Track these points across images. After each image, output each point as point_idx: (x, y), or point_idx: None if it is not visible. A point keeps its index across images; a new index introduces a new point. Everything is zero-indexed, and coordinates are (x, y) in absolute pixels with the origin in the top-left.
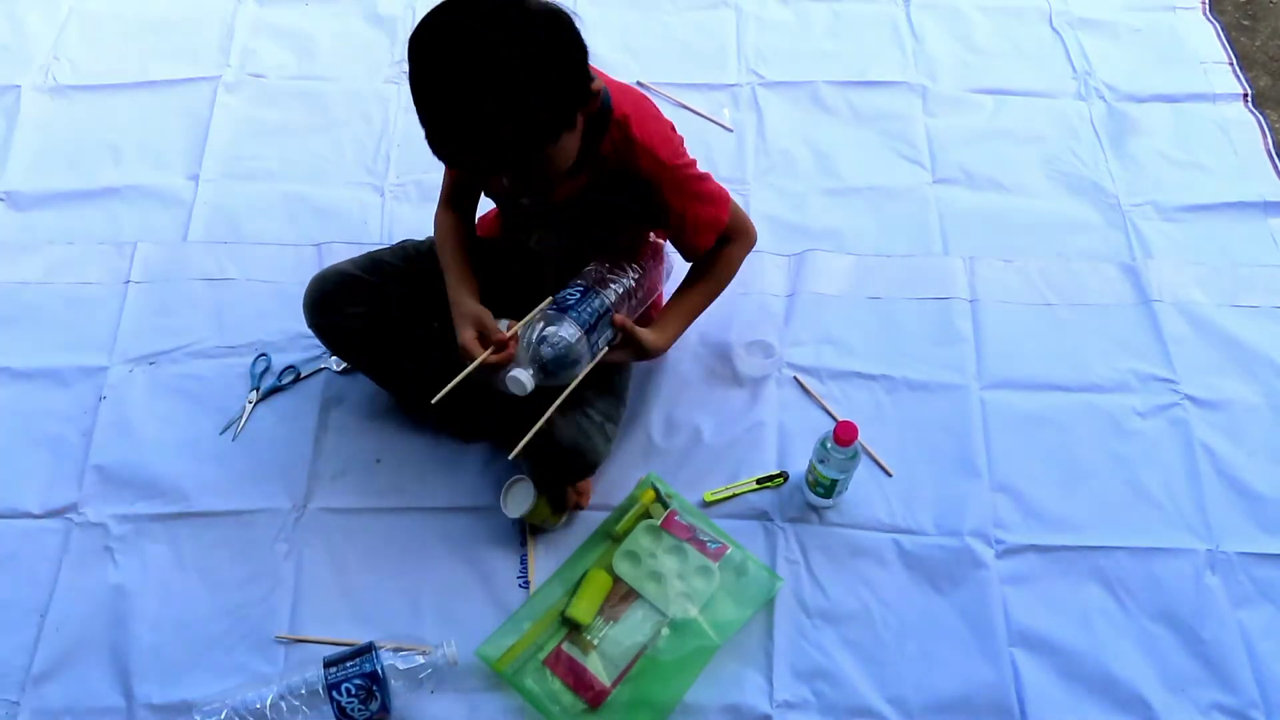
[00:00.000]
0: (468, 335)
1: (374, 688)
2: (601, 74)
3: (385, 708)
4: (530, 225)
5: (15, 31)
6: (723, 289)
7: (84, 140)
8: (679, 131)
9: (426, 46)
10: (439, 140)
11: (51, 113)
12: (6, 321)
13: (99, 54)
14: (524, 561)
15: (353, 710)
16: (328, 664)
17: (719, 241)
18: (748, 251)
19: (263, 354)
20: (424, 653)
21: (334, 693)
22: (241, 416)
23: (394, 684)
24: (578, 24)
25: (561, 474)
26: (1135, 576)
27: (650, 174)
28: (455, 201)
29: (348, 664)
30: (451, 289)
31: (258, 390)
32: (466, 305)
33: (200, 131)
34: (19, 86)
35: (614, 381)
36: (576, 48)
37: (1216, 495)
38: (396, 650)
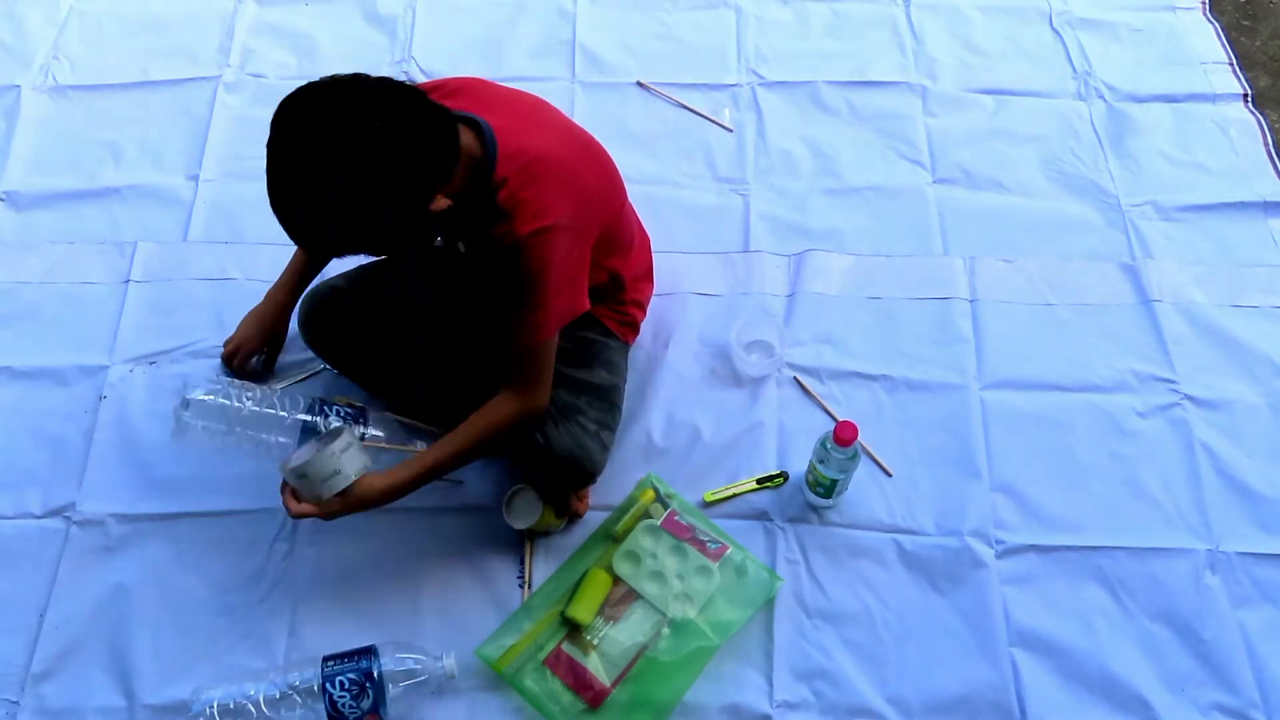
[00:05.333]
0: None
1: (367, 685)
2: (513, 113)
3: (377, 709)
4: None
5: (15, 31)
6: (472, 445)
7: (84, 140)
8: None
9: (273, 138)
10: (280, 219)
11: (51, 113)
12: (6, 321)
13: (99, 54)
14: (523, 562)
15: (344, 705)
16: (326, 659)
17: (505, 379)
18: (522, 416)
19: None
20: (421, 659)
21: (328, 685)
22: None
23: (391, 689)
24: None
25: (561, 484)
26: (1135, 576)
27: (503, 241)
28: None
29: (345, 661)
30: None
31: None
32: (259, 311)
33: (200, 131)
34: (19, 86)
35: (607, 389)
36: (423, 140)
37: (1216, 495)
38: (397, 655)
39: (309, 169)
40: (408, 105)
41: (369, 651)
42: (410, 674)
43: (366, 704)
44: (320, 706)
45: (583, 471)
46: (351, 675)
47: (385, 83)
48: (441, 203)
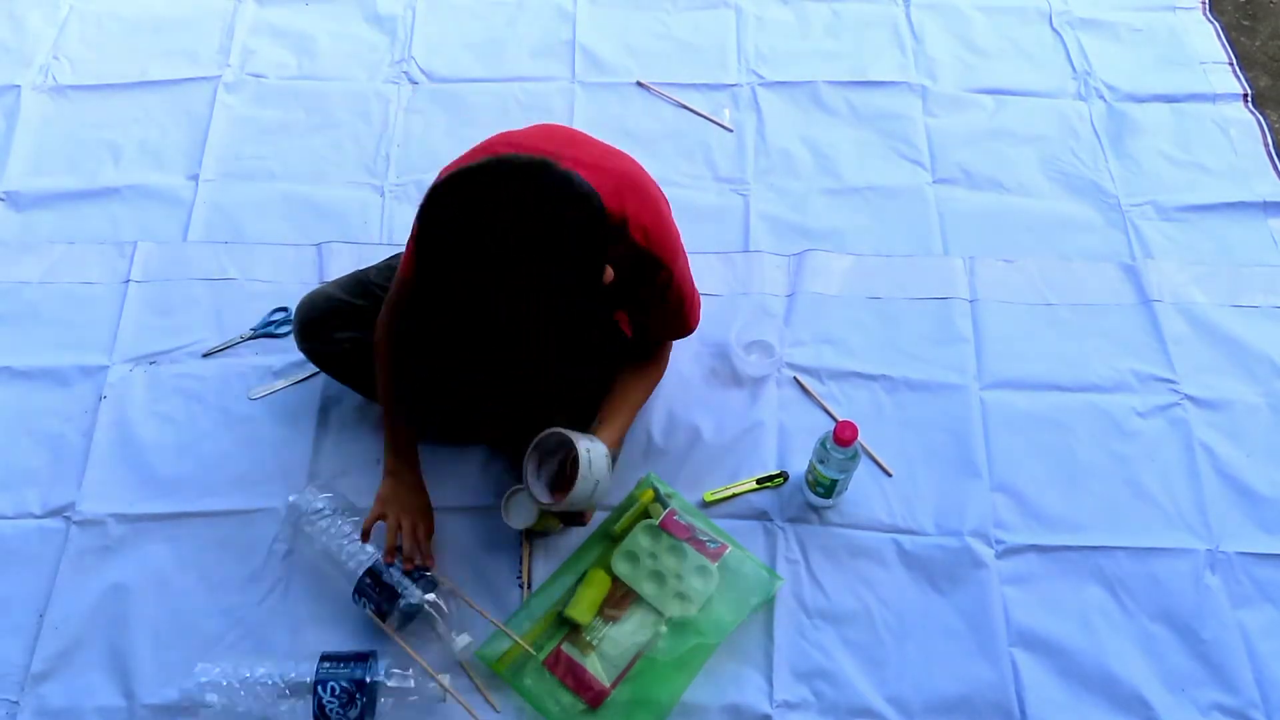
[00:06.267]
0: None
1: (358, 695)
2: (600, 157)
3: (363, 718)
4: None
5: (15, 31)
6: (658, 382)
7: (84, 140)
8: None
9: (472, 241)
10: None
11: (51, 113)
12: (7, 321)
13: (99, 54)
14: (522, 562)
15: (331, 711)
16: (324, 658)
17: (650, 350)
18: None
19: (282, 307)
20: (415, 678)
21: (319, 688)
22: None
23: (381, 701)
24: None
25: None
26: (1135, 576)
27: (654, 272)
28: (410, 313)
29: (341, 664)
30: (396, 452)
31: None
32: (412, 495)
33: (200, 131)
34: (19, 86)
35: None
36: (598, 239)
37: (1216, 495)
38: (392, 671)
39: (527, 264)
40: (575, 191)
41: (366, 657)
42: (402, 692)
43: (354, 713)
44: (308, 700)
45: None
46: (343, 683)
47: (557, 172)
48: (609, 274)
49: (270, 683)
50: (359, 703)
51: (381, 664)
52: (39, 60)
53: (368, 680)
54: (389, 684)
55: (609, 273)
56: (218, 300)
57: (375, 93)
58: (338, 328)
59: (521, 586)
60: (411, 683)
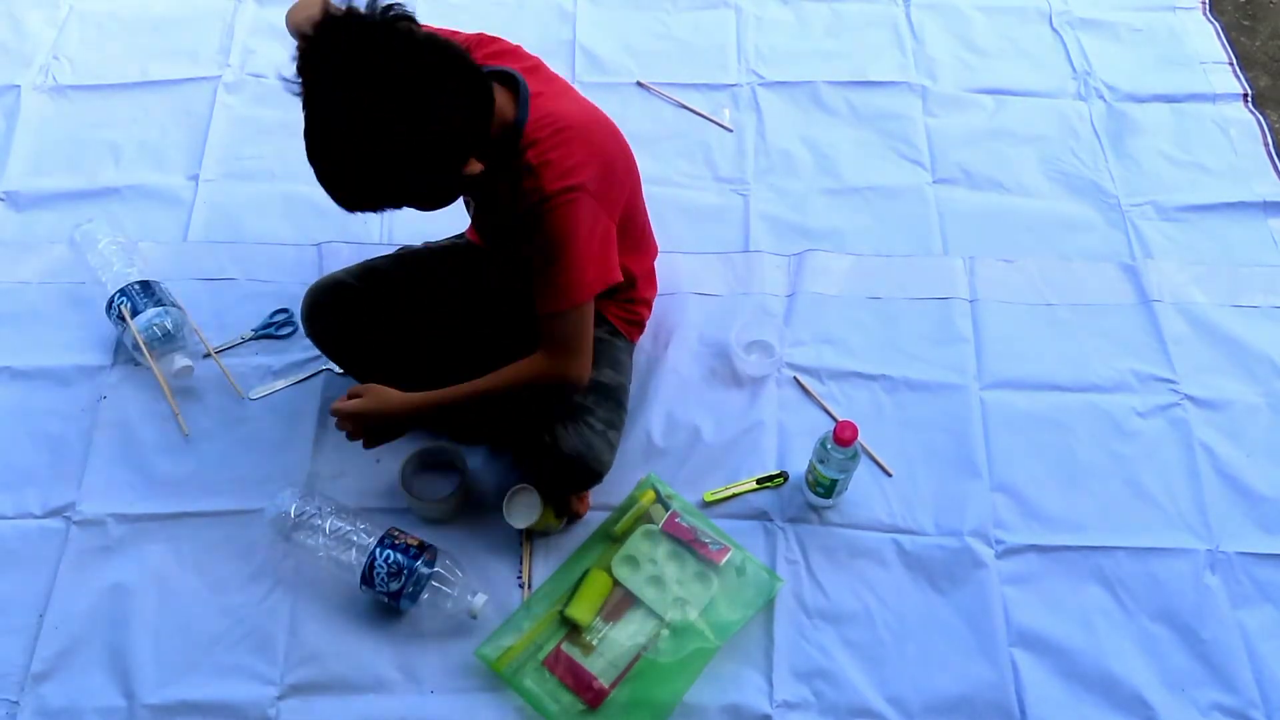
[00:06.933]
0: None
1: (404, 574)
2: (547, 95)
3: (400, 597)
4: (485, 240)
5: (15, 31)
6: (492, 390)
7: (84, 140)
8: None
9: (310, 81)
10: (315, 171)
11: (51, 113)
12: (6, 321)
13: (99, 54)
14: (522, 562)
15: (379, 574)
16: (392, 531)
17: (539, 339)
18: (554, 381)
19: (283, 309)
20: (460, 583)
21: (377, 548)
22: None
23: (424, 595)
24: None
25: (567, 484)
26: (1135, 576)
27: (529, 199)
28: None
29: (404, 548)
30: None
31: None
32: (388, 405)
33: (200, 131)
34: (19, 86)
35: (613, 388)
36: (474, 107)
37: (1216, 495)
38: (446, 563)
39: (348, 115)
40: (444, 62)
41: (426, 551)
42: (444, 582)
43: (395, 587)
44: (362, 558)
45: (589, 472)
46: (401, 558)
47: (417, 35)
48: (474, 167)
49: (344, 530)
50: (402, 580)
51: (438, 566)
52: (39, 60)
53: (419, 569)
54: (434, 582)
55: (473, 165)
56: (218, 300)
57: None
58: (345, 312)
59: (521, 586)
60: (453, 589)
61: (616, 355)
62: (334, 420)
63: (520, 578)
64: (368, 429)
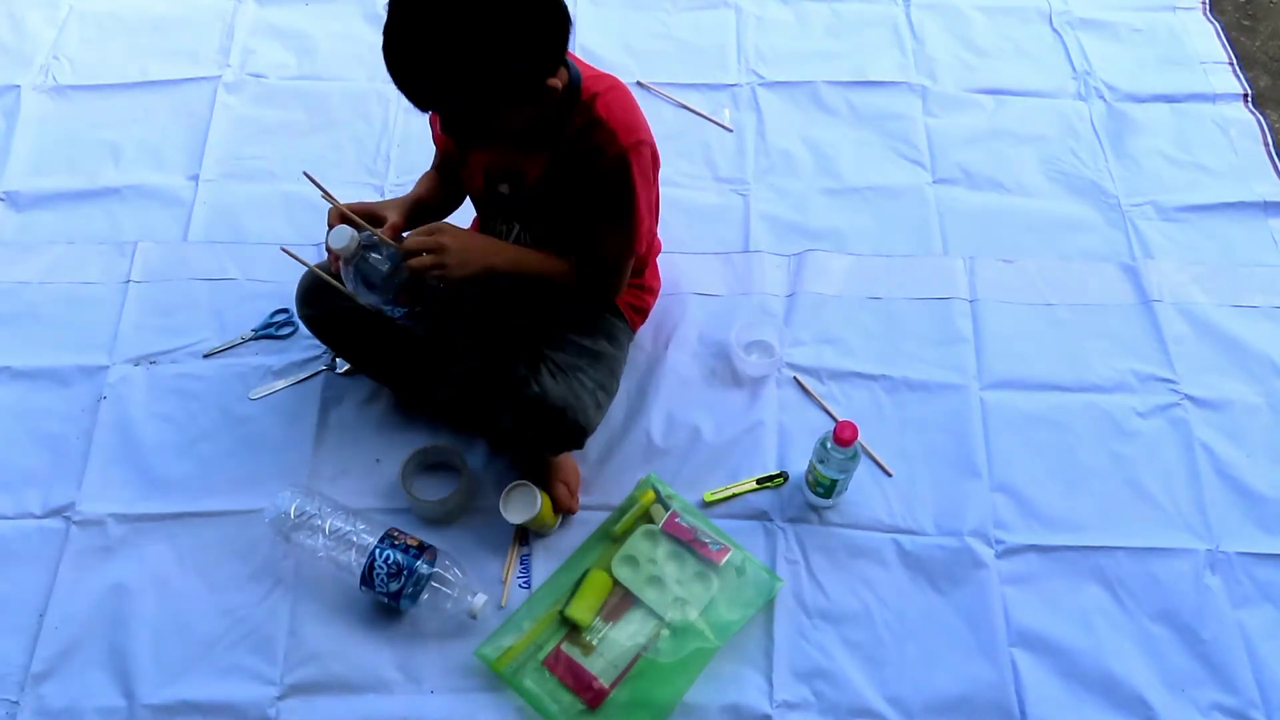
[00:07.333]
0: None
1: (404, 574)
2: (580, 61)
3: (399, 598)
4: (506, 218)
5: (15, 31)
6: (551, 277)
7: (84, 140)
8: (675, 132)
9: None
10: (396, 52)
11: (51, 113)
12: (7, 321)
13: (99, 54)
14: (524, 561)
15: (378, 575)
16: (391, 531)
17: (597, 260)
18: (586, 295)
19: (283, 309)
20: (460, 584)
21: (377, 549)
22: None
23: (424, 597)
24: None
25: (549, 439)
26: (1135, 576)
27: (605, 152)
28: (440, 168)
29: (404, 546)
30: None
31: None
32: (383, 203)
33: (200, 131)
34: (19, 86)
35: (608, 358)
36: (559, 18)
37: (1216, 495)
38: (445, 562)
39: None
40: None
41: (426, 551)
42: (444, 582)
43: (395, 587)
44: (362, 560)
45: (575, 425)
46: (400, 559)
47: None
48: (558, 79)
49: (343, 531)
50: (401, 581)
51: (437, 566)
52: (39, 60)
53: (419, 570)
54: (434, 583)
55: (557, 79)
56: (218, 300)
57: (375, 93)
58: (339, 294)
59: (523, 587)
60: (453, 589)
61: (615, 333)
62: (409, 263)
63: (520, 578)
64: (450, 252)
